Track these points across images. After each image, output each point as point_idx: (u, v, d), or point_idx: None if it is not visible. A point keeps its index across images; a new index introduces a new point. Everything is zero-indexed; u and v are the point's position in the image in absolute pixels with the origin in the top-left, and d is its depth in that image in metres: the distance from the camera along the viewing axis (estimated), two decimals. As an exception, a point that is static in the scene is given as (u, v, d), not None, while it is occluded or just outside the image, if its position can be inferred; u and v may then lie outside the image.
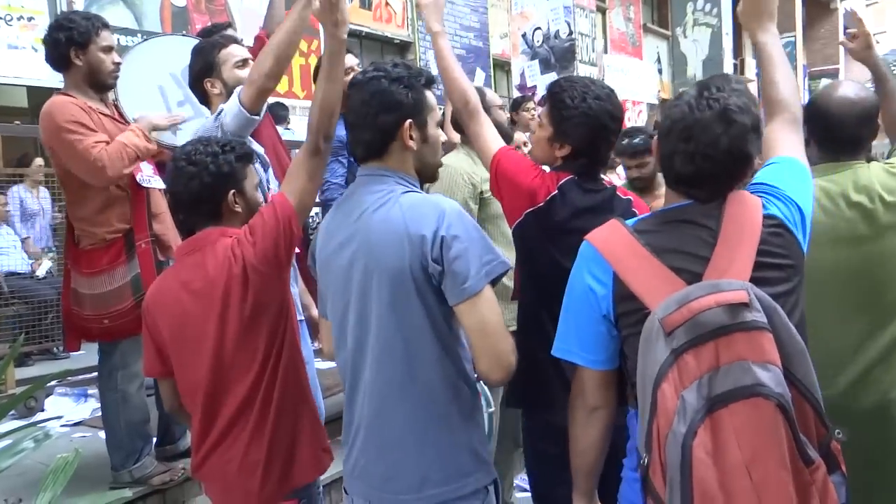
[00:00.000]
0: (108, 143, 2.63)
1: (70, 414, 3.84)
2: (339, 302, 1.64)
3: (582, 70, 11.55)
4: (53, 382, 4.17)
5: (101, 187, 2.69)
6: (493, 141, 2.11)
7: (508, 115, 5.65)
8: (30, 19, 6.01)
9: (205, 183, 1.80)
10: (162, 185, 2.78)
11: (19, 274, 5.11)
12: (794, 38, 15.69)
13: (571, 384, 1.52)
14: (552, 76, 8.46)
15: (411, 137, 1.61)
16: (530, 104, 5.45)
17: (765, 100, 1.63)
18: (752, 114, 1.39)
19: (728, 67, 13.66)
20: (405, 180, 1.64)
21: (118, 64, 2.81)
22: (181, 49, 2.82)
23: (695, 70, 14.20)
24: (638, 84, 6.28)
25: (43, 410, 3.88)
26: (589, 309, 1.44)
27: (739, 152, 1.37)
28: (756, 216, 1.38)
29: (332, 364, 2.07)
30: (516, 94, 10.57)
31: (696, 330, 1.22)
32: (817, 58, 18.91)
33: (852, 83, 2.01)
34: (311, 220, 3.92)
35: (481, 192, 2.83)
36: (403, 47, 9.67)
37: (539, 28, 9.54)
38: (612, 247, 1.43)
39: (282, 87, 8.29)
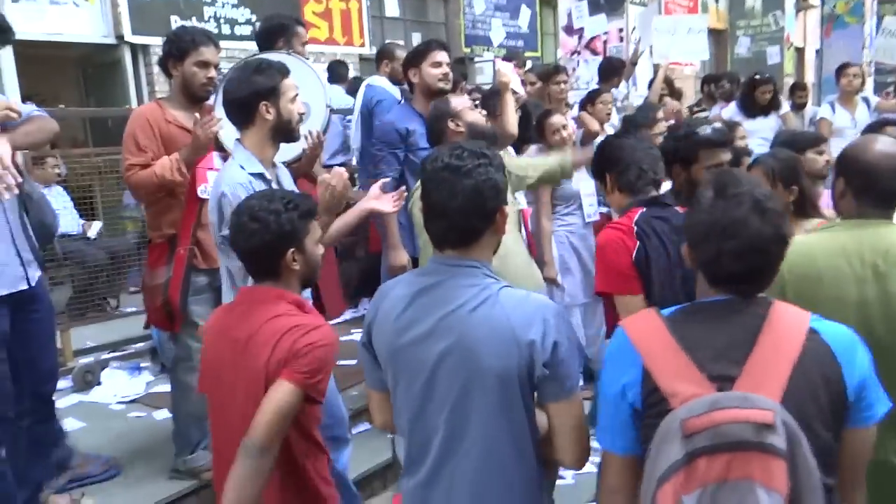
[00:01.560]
0: (145, 166, 2.86)
1: (124, 389, 4.04)
2: (418, 392, 1.61)
3: (632, 11, 11.07)
4: (109, 355, 4.40)
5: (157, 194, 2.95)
6: None
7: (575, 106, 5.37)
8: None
9: (265, 241, 1.84)
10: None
11: (71, 235, 5.28)
12: None
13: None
14: (601, 18, 8.12)
15: (503, 223, 1.64)
16: (604, 97, 5.04)
17: None
18: (774, 198, 1.44)
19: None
20: (491, 271, 1.62)
21: (211, 78, 2.98)
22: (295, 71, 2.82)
23: (754, 1, 13.49)
24: (688, 41, 5.96)
25: (100, 384, 4.10)
26: (615, 395, 1.46)
27: (781, 238, 1.41)
28: (801, 327, 1.37)
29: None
30: (562, 34, 10.24)
31: (717, 438, 1.23)
32: None
33: (886, 137, 1.97)
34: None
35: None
36: None
37: (588, -34, 9.11)
38: (644, 338, 1.43)
39: (321, 33, 8.16)
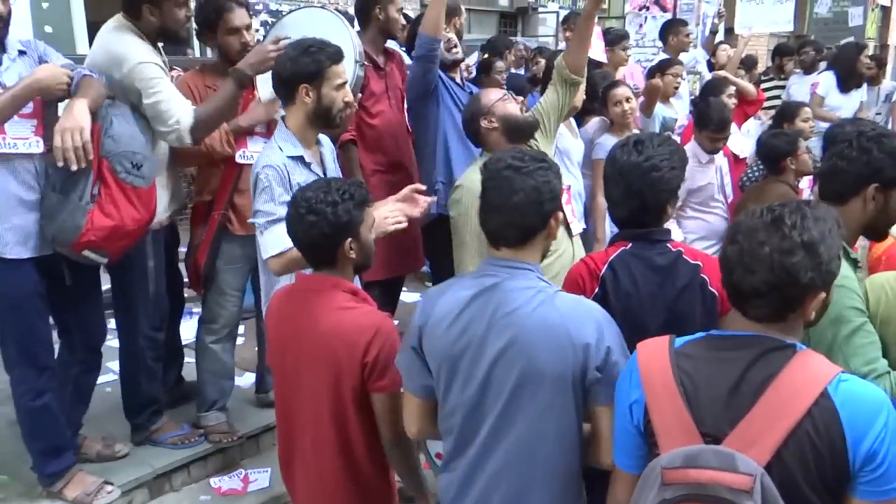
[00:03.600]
0: None
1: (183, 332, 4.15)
2: (472, 394, 1.65)
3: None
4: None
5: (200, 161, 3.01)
6: None
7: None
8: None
9: (324, 233, 1.87)
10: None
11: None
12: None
13: None
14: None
15: (555, 228, 1.69)
16: (676, 68, 4.90)
17: None
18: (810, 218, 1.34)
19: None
20: (542, 274, 1.69)
21: (245, 43, 2.96)
22: (325, 24, 2.83)
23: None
24: (775, 10, 5.61)
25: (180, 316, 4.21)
26: (624, 414, 1.47)
27: (791, 265, 1.30)
28: (814, 388, 1.28)
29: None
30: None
31: (693, 490, 1.24)
32: None
33: None
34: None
35: None
36: None
37: None
38: (649, 370, 1.42)
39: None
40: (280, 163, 2.28)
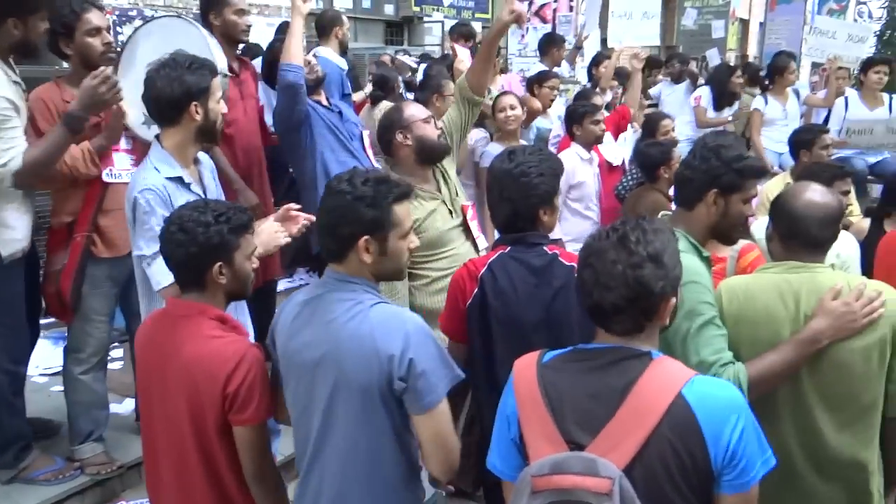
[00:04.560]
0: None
1: (47, 360, 3.94)
2: (301, 394, 1.77)
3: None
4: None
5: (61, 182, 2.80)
6: None
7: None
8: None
9: (190, 252, 1.81)
10: (133, 179, 2.77)
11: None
12: None
13: None
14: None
15: (367, 251, 1.70)
16: (553, 81, 5.08)
17: None
18: (654, 232, 1.45)
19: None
20: (372, 288, 1.76)
21: (108, 44, 2.82)
22: (181, 34, 2.74)
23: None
24: (643, 25, 6.03)
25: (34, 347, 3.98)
26: (503, 426, 1.53)
27: (642, 277, 1.40)
28: (669, 392, 1.36)
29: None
30: (513, -2, 10.13)
31: (559, 496, 1.31)
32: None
33: (818, 186, 2.02)
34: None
35: None
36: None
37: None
38: (520, 383, 1.49)
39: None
40: (159, 184, 2.21)
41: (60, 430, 3.19)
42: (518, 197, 2.02)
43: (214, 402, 1.81)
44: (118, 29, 6.79)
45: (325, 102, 3.60)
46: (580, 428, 1.38)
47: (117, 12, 6.76)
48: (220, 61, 2.71)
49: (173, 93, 2.22)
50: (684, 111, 6.38)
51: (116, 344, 3.93)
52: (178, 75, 2.22)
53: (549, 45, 5.96)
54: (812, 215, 1.94)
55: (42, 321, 4.22)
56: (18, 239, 2.70)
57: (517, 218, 2.05)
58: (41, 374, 3.87)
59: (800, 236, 1.96)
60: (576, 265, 1.95)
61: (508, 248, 2.06)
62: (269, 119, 5.60)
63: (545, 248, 2.05)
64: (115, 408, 3.37)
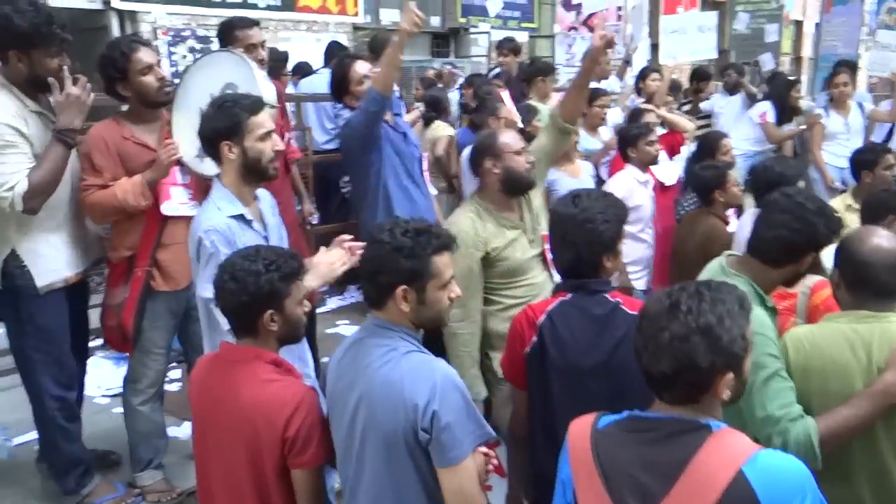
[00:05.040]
0: (103, 186, 2.77)
1: (109, 381, 4.06)
2: (343, 436, 1.82)
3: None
4: (93, 342, 4.39)
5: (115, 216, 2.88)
6: None
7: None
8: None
9: (242, 301, 1.84)
10: (192, 213, 2.81)
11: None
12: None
13: None
14: (599, -5, 8.01)
15: (405, 300, 1.73)
16: (603, 99, 4.89)
17: None
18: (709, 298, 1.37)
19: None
20: (409, 335, 1.79)
21: (162, 79, 2.86)
22: (230, 69, 2.79)
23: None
24: (698, 39, 5.74)
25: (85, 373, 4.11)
26: (560, 489, 1.51)
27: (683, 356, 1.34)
28: (730, 469, 1.28)
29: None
30: (560, 8, 10.04)
31: None
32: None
33: (884, 231, 1.95)
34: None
35: (487, 253, 2.75)
36: None
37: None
38: (575, 449, 1.46)
39: (313, 2, 7.96)
40: (222, 224, 2.23)
41: (121, 461, 3.27)
42: (582, 242, 1.99)
43: (274, 445, 1.82)
44: (172, 49, 6.97)
45: (391, 122, 3.56)
46: (635, 503, 1.35)
47: (171, 33, 6.94)
48: (269, 94, 2.73)
49: (204, 132, 2.28)
50: (741, 124, 6.18)
51: (175, 364, 4.01)
52: (210, 115, 2.28)
53: (535, 73, 5.31)
54: (880, 262, 1.86)
55: (101, 340, 4.39)
56: (55, 269, 2.78)
57: (580, 263, 2.02)
58: (103, 395, 3.97)
59: (868, 284, 1.88)
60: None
61: (569, 294, 2.03)
62: (318, 136, 5.74)
63: (607, 295, 2.01)
64: (173, 431, 3.44)
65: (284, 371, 1.94)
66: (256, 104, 2.32)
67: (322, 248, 2.39)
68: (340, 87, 3.45)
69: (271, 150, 2.32)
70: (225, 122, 2.26)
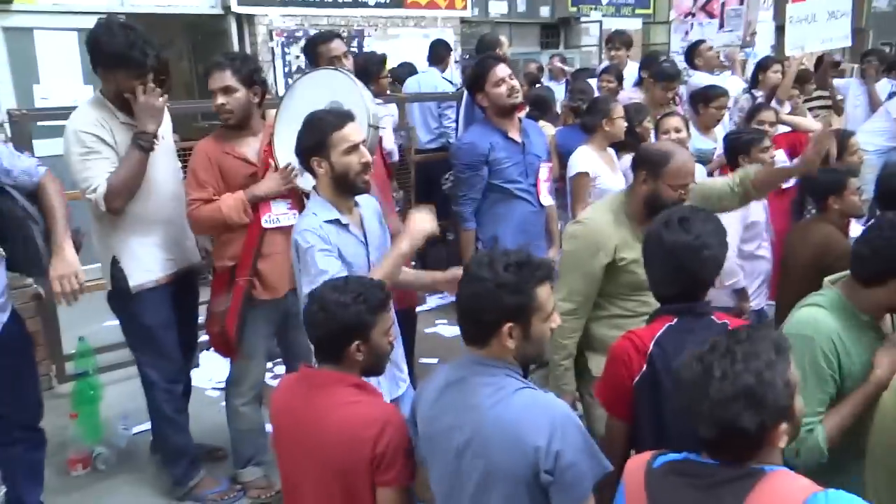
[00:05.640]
0: (208, 201, 2.91)
1: (220, 373, 4.25)
2: (447, 478, 1.77)
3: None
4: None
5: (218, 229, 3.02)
6: None
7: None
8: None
9: (330, 331, 1.89)
10: (291, 222, 2.89)
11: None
12: None
13: None
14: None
15: (511, 336, 1.67)
16: (721, 100, 4.66)
17: None
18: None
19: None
20: (513, 371, 1.73)
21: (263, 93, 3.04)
22: (336, 85, 2.85)
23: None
24: (829, 27, 5.12)
25: (198, 366, 4.34)
26: None
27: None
28: None
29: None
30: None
31: None
32: None
33: None
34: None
35: (613, 261, 2.59)
36: None
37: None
38: (630, 487, 1.45)
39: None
40: (316, 225, 2.29)
41: (227, 456, 3.45)
42: (699, 269, 1.92)
43: (364, 464, 1.85)
44: (286, 49, 7.23)
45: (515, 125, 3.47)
46: None
47: (285, 34, 7.19)
48: (372, 111, 2.76)
49: (297, 149, 2.38)
50: (878, 116, 5.66)
51: (278, 361, 4.15)
52: (300, 131, 2.36)
53: (693, 56, 5.47)
54: None
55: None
56: (147, 270, 2.96)
57: (696, 289, 1.95)
58: (213, 388, 4.18)
59: None
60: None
61: (675, 319, 1.94)
62: (422, 135, 5.76)
63: (713, 317, 1.95)
64: (274, 428, 3.58)
65: (368, 392, 1.97)
66: (341, 118, 2.35)
67: (411, 214, 2.43)
68: (476, 84, 3.42)
69: (358, 164, 2.34)
70: (311, 138, 2.33)
